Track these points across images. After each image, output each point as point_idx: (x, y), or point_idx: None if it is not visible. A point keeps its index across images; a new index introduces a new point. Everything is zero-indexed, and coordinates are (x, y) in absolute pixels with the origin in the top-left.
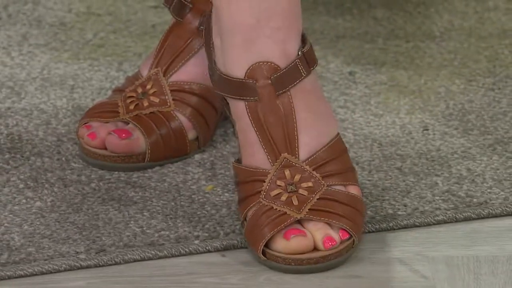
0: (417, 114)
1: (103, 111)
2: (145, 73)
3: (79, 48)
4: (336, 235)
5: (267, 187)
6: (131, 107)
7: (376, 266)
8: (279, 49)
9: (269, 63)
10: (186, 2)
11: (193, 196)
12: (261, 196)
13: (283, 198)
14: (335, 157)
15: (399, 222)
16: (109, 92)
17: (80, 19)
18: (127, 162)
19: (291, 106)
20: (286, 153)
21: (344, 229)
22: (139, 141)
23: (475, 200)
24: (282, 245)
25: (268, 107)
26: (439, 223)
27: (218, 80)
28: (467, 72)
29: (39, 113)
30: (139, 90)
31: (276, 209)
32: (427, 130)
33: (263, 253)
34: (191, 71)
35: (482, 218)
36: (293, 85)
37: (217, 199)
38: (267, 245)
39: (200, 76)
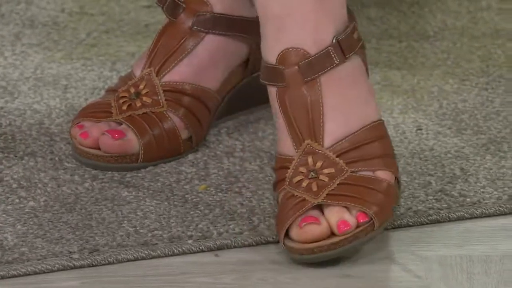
0: (410, 113)
1: (96, 111)
2: (138, 73)
3: (72, 47)
4: (352, 219)
5: (291, 173)
6: (124, 107)
7: (369, 266)
8: (310, 37)
9: (299, 50)
10: (179, 2)
11: (186, 196)
12: (285, 183)
13: (304, 184)
14: (365, 143)
15: (392, 221)
16: (102, 92)
17: (73, 18)
18: (120, 162)
19: (319, 93)
20: (309, 140)
21: (362, 212)
22: (132, 142)
23: (468, 199)
24: (297, 233)
25: (294, 93)
26: (432, 222)
27: (261, 67)
28: (460, 71)
29: (32, 112)
30: (132, 90)
31: (297, 195)
32: (420, 129)
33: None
34: (184, 71)
35: (475, 217)
36: (323, 72)
37: (211, 198)
38: (288, 235)
39: (193, 76)
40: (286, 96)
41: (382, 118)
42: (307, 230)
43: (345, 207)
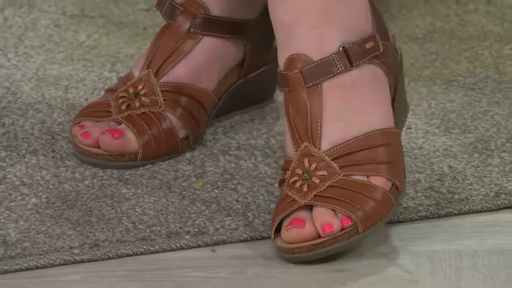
0: None
1: (95, 111)
2: (137, 73)
3: (73, 49)
4: (337, 222)
5: (289, 174)
6: (123, 107)
7: (359, 260)
8: (314, 45)
9: (303, 56)
10: (177, 5)
11: (183, 192)
12: (285, 183)
13: (297, 185)
14: (363, 149)
15: None
16: (102, 92)
17: (74, 21)
18: (119, 160)
19: (320, 98)
20: (307, 143)
21: (347, 216)
22: (131, 141)
23: (456, 196)
24: (284, 235)
25: (296, 97)
26: (421, 218)
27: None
28: (448, 72)
29: (34, 112)
30: (131, 90)
31: (290, 195)
32: (410, 129)
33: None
34: (181, 73)
35: (463, 214)
36: (325, 78)
37: (207, 195)
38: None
39: (190, 77)
40: (289, 100)
41: (394, 129)
42: (291, 233)
43: (332, 209)
